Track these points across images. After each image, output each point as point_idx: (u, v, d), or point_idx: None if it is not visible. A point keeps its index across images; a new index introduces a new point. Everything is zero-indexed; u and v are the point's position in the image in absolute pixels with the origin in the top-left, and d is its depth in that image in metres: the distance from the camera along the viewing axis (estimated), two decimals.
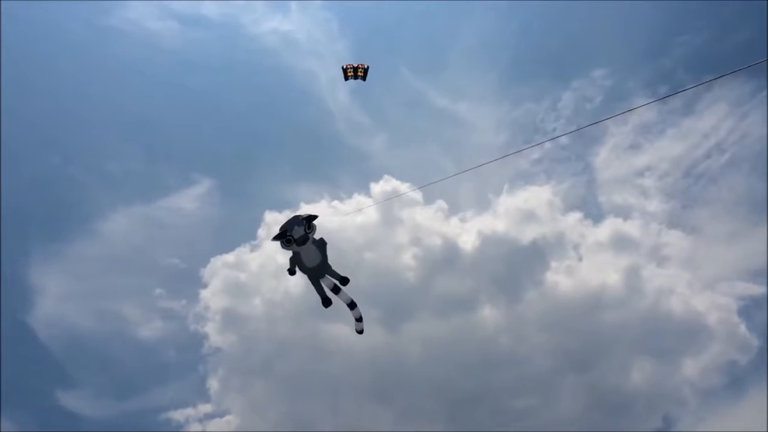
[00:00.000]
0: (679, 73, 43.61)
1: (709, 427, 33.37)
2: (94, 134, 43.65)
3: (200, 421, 35.36)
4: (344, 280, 12.55)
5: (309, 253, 12.07)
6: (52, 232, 40.20)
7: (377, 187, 40.84)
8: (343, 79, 16.55)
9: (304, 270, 12.32)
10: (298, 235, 11.68)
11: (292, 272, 12.33)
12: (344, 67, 16.40)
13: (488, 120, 48.14)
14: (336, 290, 12.63)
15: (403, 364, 35.94)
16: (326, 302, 12.61)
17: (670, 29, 45.38)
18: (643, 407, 34.43)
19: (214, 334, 37.77)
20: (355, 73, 16.31)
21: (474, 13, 48.02)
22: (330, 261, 12.38)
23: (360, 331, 13.21)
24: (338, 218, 39.65)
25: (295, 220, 11.80)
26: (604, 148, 45.19)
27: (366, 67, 16.44)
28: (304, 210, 11.93)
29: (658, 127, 44.26)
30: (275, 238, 11.81)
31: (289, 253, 12.14)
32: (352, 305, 12.81)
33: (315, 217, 11.85)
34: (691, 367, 35.54)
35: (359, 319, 13.05)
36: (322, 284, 12.59)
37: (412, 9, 48.33)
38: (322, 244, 12.23)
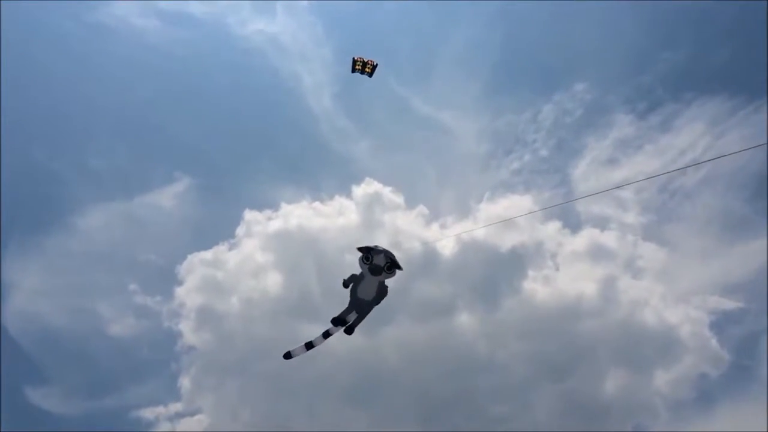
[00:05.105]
0: (659, 91, 44.91)
1: None
2: (80, 130, 42.83)
3: (170, 419, 34.96)
4: (350, 330, 12.45)
5: (369, 287, 12.13)
6: (30, 226, 39.21)
7: (359, 190, 41.18)
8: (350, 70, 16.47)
9: (353, 294, 12.31)
10: (378, 262, 11.71)
11: (346, 285, 12.34)
12: (355, 59, 16.36)
13: (470, 129, 48.81)
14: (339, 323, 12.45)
15: (381, 368, 35.89)
16: (340, 323, 12.43)
17: (652, 46, 46.71)
18: (615, 416, 35.01)
19: (188, 332, 37.35)
20: (363, 68, 16.29)
21: (460, 21, 48.62)
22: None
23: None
24: (322, 219, 39.59)
25: (384, 252, 11.81)
26: (583, 161, 46.14)
27: (375, 64, 16.44)
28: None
29: (636, 143, 45.36)
30: (360, 248, 11.87)
31: (356, 270, 12.15)
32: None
33: (400, 268, 11.87)
34: (662, 379, 36.25)
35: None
36: (351, 314, 12.46)
37: (397, 15, 48.86)
38: (383, 291, 12.23)
